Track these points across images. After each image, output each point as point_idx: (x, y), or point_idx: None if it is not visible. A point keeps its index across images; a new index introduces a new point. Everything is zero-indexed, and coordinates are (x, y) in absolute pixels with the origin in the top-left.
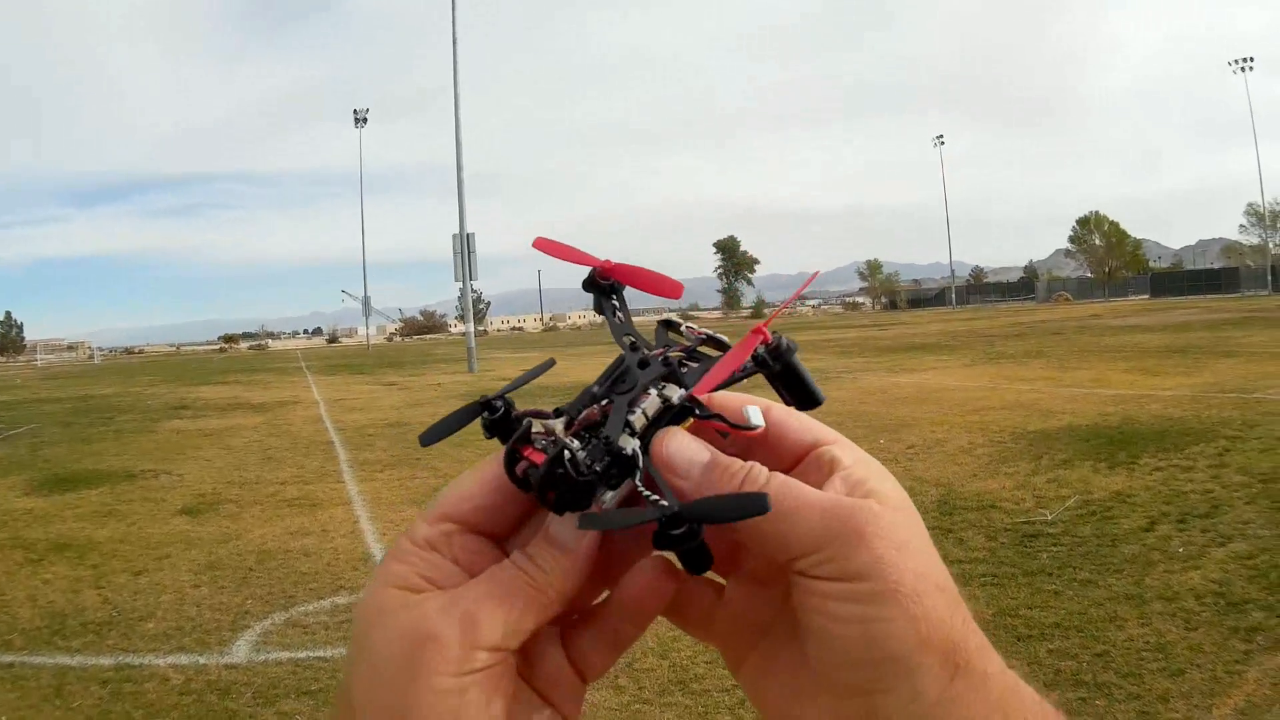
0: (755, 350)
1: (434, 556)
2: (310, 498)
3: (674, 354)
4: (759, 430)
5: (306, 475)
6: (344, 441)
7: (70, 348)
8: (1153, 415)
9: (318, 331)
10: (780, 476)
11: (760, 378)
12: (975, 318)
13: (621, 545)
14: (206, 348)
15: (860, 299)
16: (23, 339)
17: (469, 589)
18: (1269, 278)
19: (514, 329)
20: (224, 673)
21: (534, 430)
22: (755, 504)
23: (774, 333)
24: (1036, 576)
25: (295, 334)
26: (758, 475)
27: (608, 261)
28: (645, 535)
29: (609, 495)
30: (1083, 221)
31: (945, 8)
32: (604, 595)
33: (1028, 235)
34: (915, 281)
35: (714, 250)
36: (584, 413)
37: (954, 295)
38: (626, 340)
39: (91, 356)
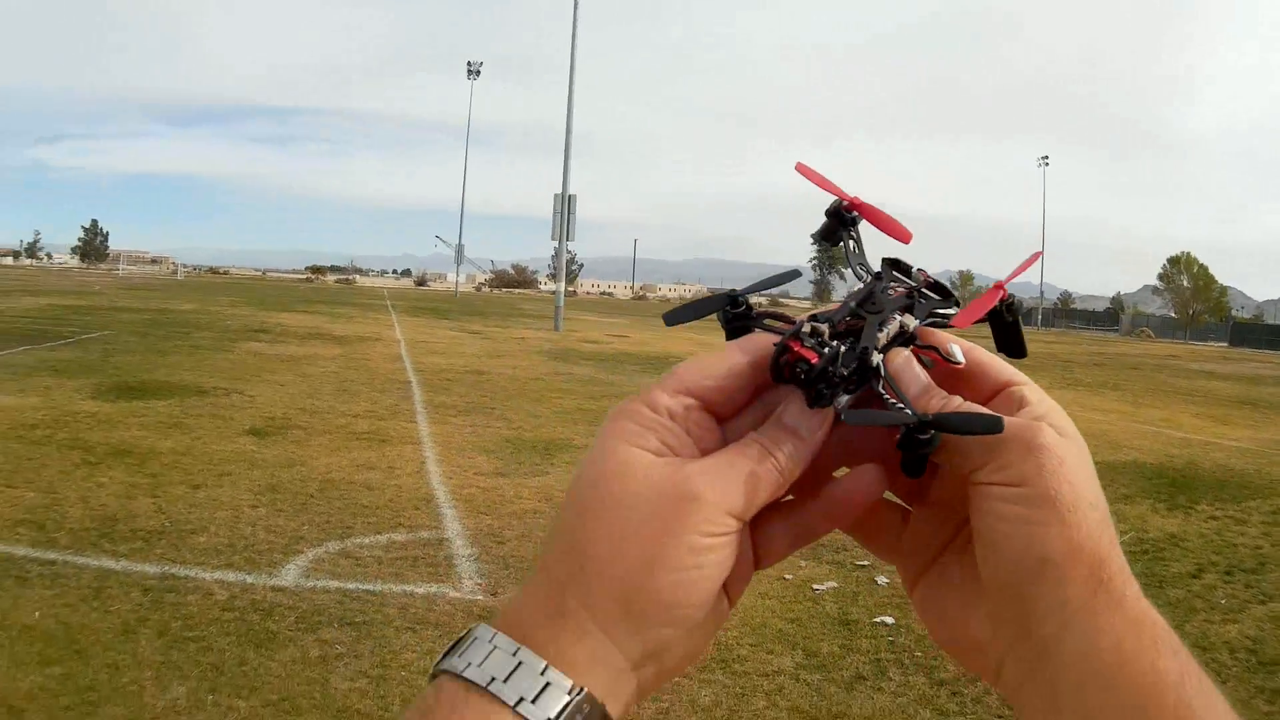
0: (994, 304)
1: (675, 426)
2: (380, 433)
3: (906, 289)
4: (960, 365)
5: (379, 411)
6: (421, 382)
7: (154, 261)
8: (1215, 463)
9: (407, 273)
10: (970, 404)
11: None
12: (1058, 341)
13: (828, 451)
14: (292, 276)
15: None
16: (107, 248)
17: (719, 459)
18: None
19: (603, 293)
20: (270, 594)
21: (803, 330)
22: (992, 423)
23: (1010, 293)
24: None
25: (384, 273)
26: (953, 401)
27: (856, 198)
28: (847, 446)
29: (844, 398)
30: (1173, 261)
31: (1066, 21)
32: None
33: (1118, 266)
34: None
35: (811, 241)
36: (840, 323)
37: (1040, 316)
38: (865, 270)
39: (175, 272)
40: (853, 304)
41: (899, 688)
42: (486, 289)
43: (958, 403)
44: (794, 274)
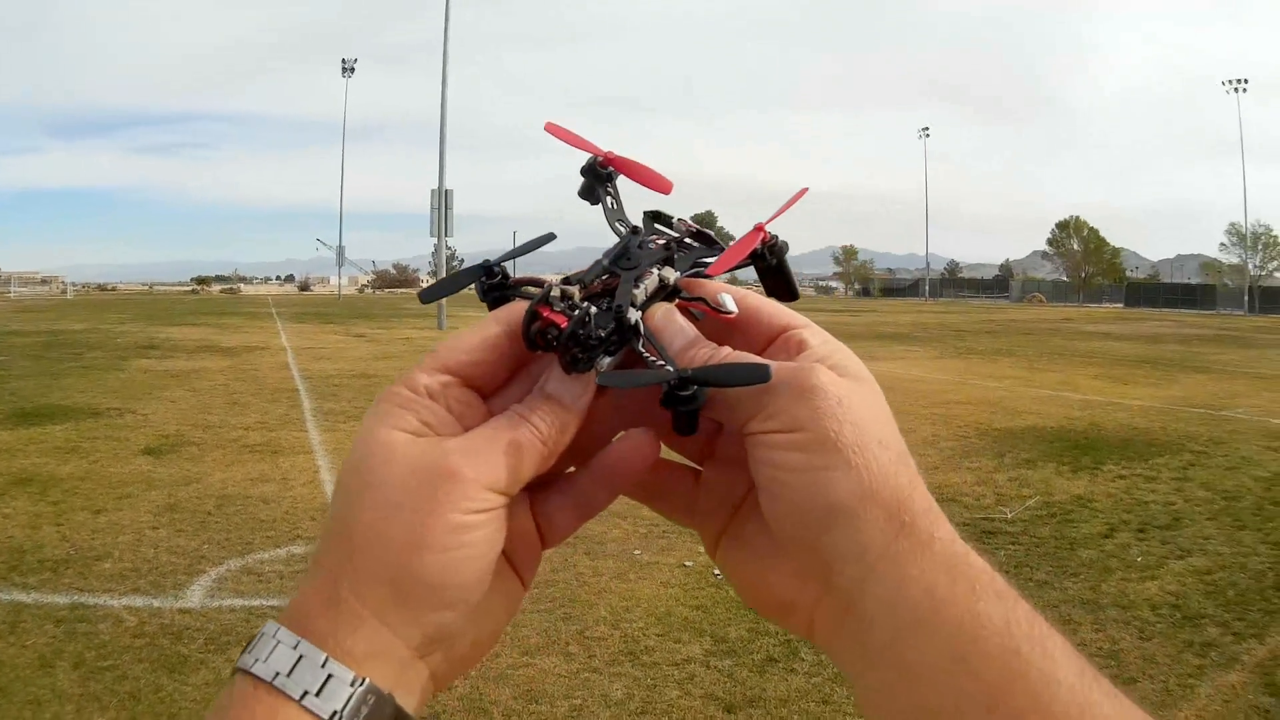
0: (755, 246)
1: (434, 405)
2: (273, 444)
3: (668, 241)
4: (732, 314)
5: (270, 422)
6: (309, 390)
7: (44, 281)
8: (1119, 423)
9: (290, 278)
10: (737, 353)
11: None
12: (948, 311)
13: (597, 418)
14: (179, 288)
15: (834, 284)
16: None
17: (478, 434)
18: (1246, 298)
19: None
20: (177, 617)
21: (552, 294)
22: (758, 372)
23: (772, 233)
24: None
25: (268, 279)
26: (719, 353)
27: (610, 152)
28: (623, 409)
29: (605, 360)
30: (1062, 225)
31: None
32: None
33: (1005, 234)
34: (890, 271)
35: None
36: (593, 283)
37: (928, 287)
38: (623, 225)
39: (65, 291)
40: (605, 261)
41: (811, 668)
42: (370, 290)
43: (726, 353)
44: (549, 237)
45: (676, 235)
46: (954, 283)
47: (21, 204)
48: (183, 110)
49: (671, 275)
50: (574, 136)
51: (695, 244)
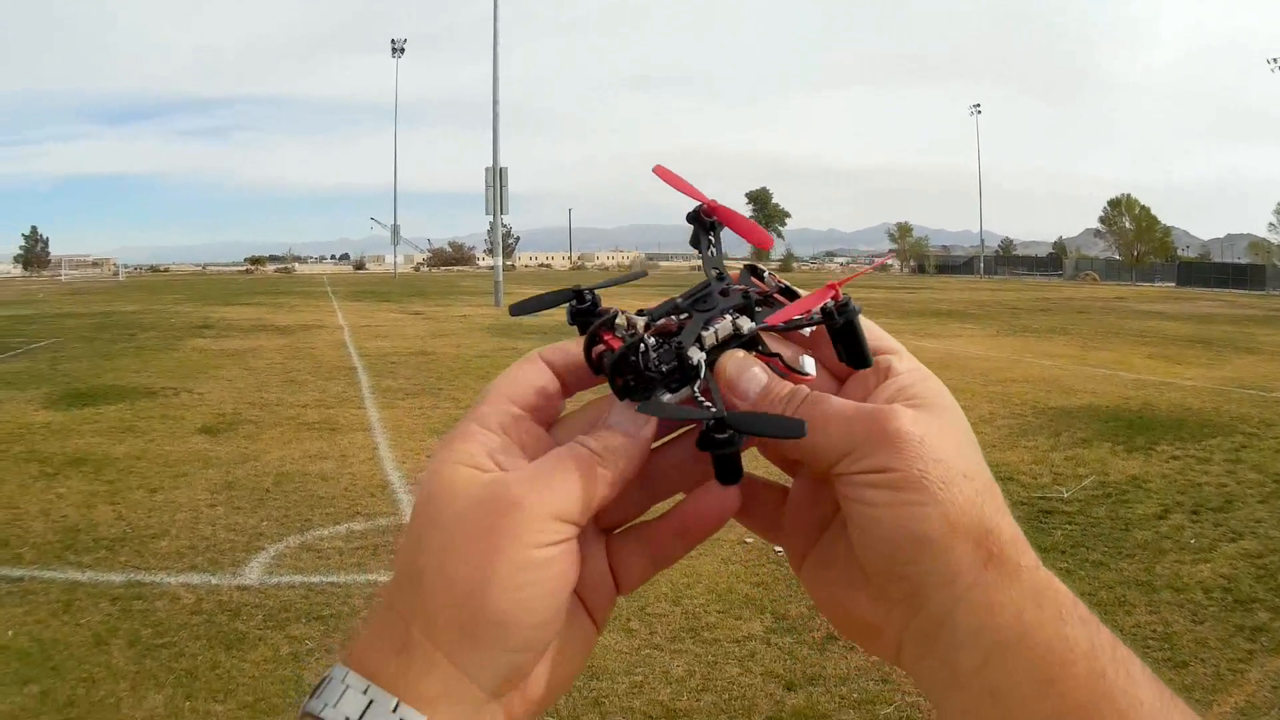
0: (825, 303)
1: (503, 439)
2: (331, 422)
3: (754, 294)
4: (810, 377)
5: (328, 400)
6: (367, 368)
7: (95, 264)
8: (1172, 403)
9: (345, 257)
10: (814, 395)
11: None
12: (1002, 289)
13: (674, 463)
14: (232, 269)
15: (890, 261)
16: (48, 254)
17: (540, 464)
18: None
19: (542, 265)
20: (236, 594)
21: (617, 321)
22: (793, 427)
23: (845, 293)
24: (1049, 554)
25: (322, 259)
26: (798, 395)
27: (714, 201)
28: (703, 461)
29: (666, 396)
30: (1114, 203)
31: None
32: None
33: (1059, 211)
34: (944, 248)
35: (746, 200)
36: (664, 320)
37: (982, 265)
38: (714, 272)
39: (116, 273)
40: (680, 300)
41: None
42: (425, 268)
43: (803, 396)
44: (641, 274)
45: (764, 289)
46: (1008, 260)
47: (71, 189)
48: (230, 94)
49: (746, 325)
50: (681, 182)
51: (780, 299)
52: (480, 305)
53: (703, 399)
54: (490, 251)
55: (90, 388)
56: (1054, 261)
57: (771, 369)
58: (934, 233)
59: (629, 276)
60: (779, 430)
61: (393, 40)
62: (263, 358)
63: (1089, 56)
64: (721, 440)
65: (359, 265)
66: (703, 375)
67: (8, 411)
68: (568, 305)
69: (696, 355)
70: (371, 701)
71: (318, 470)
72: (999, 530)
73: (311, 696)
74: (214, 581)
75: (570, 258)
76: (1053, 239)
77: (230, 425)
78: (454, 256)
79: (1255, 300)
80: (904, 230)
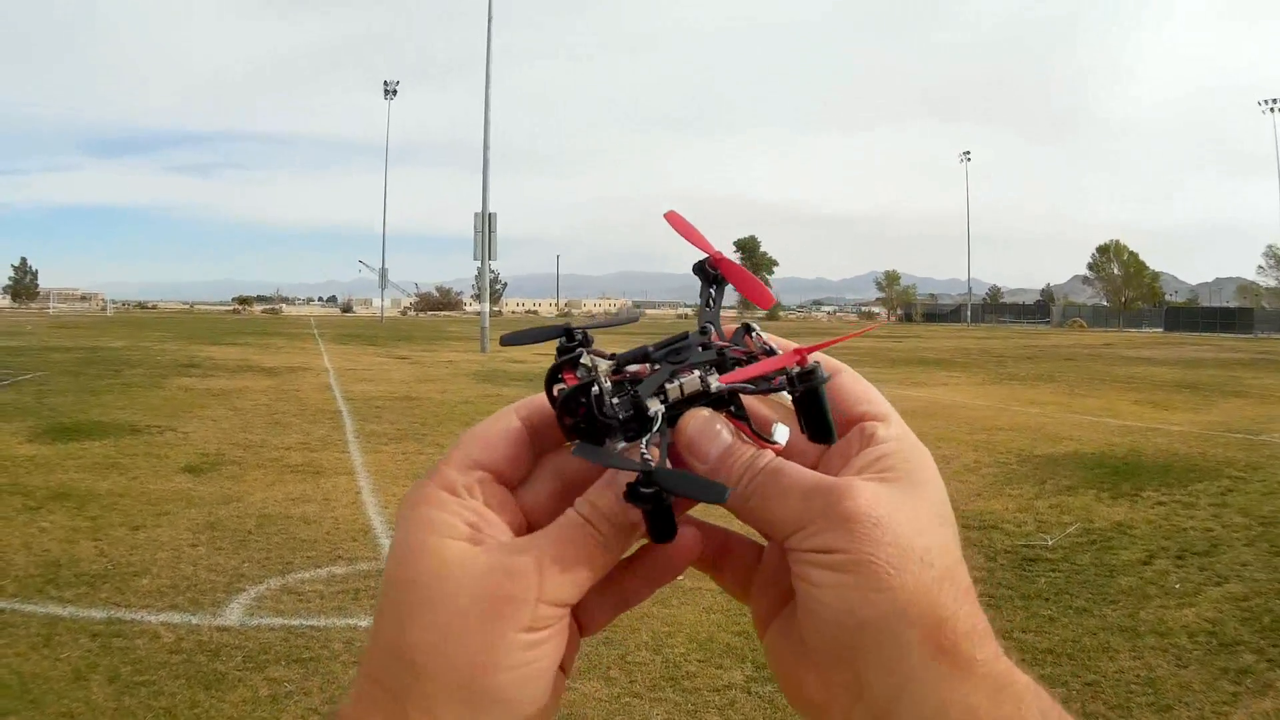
0: (788, 369)
1: (476, 504)
2: (314, 465)
3: (734, 352)
4: (780, 446)
5: (312, 442)
6: (352, 411)
7: (84, 298)
8: (1158, 449)
9: (332, 300)
10: (776, 463)
11: None
12: (989, 337)
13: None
14: (220, 308)
15: (876, 309)
16: (37, 286)
17: (538, 542)
18: None
19: (529, 311)
20: (215, 634)
21: (582, 360)
22: (714, 492)
23: (815, 361)
24: (1033, 601)
25: (310, 300)
26: (759, 462)
27: (720, 254)
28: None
29: (621, 445)
30: (1102, 249)
31: (984, 8)
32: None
33: (1048, 257)
34: (932, 296)
35: (734, 249)
36: (635, 367)
37: (970, 312)
38: (708, 329)
39: (104, 308)
40: (651, 349)
41: None
42: (412, 313)
43: (764, 463)
44: (635, 317)
45: (747, 349)
46: (995, 308)
47: (61, 221)
48: (220, 129)
49: (715, 382)
50: (692, 230)
51: (762, 359)
52: (466, 351)
53: (646, 454)
54: (477, 297)
55: (76, 423)
56: (1042, 309)
57: (740, 434)
58: (922, 280)
59: (622, 319)
60: (701, 493)
61: (385, 82)
62: (248, 398)
63: (1079, 99)
64: (646, 495)
65: (346, 308)
66: (657, 428)
67: None
68: (558, 343)
69: (655, 406)
70: None
71: (300, 513)
72: (953, 620)
73: None
74: (194, 621)
75: (557, 304)
76: (1041, 286)
77: (214, 465)
78: (441, 301)
79: (1243, 344)
80: (891, 278)
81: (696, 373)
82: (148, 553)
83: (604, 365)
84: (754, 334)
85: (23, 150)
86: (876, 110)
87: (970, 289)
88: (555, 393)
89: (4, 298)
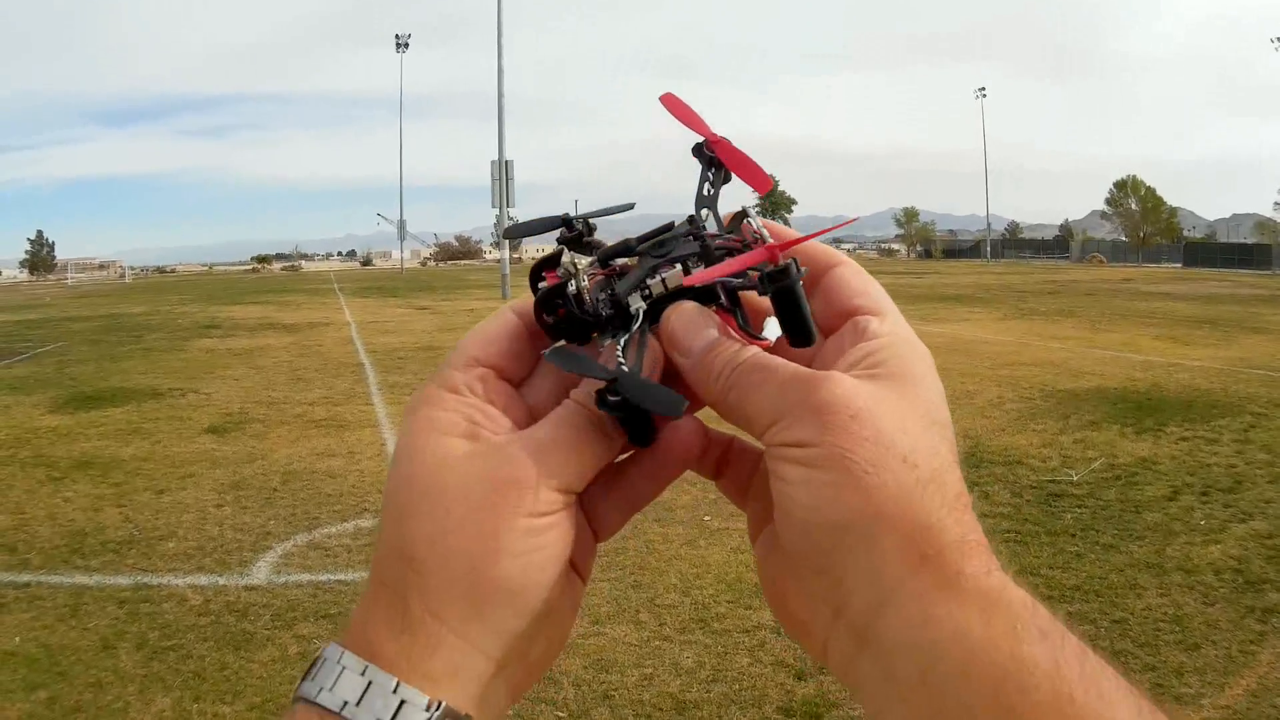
0: (760, 266)
1: (476, 401)
2: (338, 419)
3: (721, 243)
4: (768, 342)
5: (335, 396)
6: (374, 364)
7: (101, 266)
8: (1180, 384)
9: (351, 254)
10: (759, 357)
11: None
12: (1009, 272)
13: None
14: (239, 268)
15: (895, 246)
16: (54, 258)
17: (539, 432)
18: None
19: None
20: (243, 594)
21: (563, 259)
22: (671, 404)
23: (789, 258)
24: (1059, 537)
25: (329, 256)
26: (741, 355)
27: (718, 136)
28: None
29: (607, 342)
30: (1120, 184)
31: None
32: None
33: (1065, 193)
34: (951, 232)
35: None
36: (619, 261)
37: (989, 248)
38: (703, 215)
39: (123, 275)
40: (634, 242)
41: None
42: (432, 263)
43: (751, 354)
44: (628, 206)
45: (739, 240)
46: (1015, 243)
47: (75, 192)
48: (231, 92)
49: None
50: (688, 113)
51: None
52: (488, 299)
53: (620, 353)
54: (497, 245)
55: (97, 391)
56: (1061, 244)
57: (728, 329)
58: (940, 216)
59: (615, 209)
60: (658, 405)
61: (396, 35)
62: (270, 356)
63: (1094, 33)
64: (613, 403)
65: (366, 261)
66: (638, 324)
67: (14, 416)
68: (559, 234)
69: (636, 303)
70: (370, 683)
71: (325, 468)
72: (940, 529)
73: (305, 679)
74: (221, 582)
75: None
76: (1059, 221)
77: (237, 425)
78: (460, 250)
79: (1262, 280)
80: (910, 215)
81: (678, 267)
82: (173, 516)
83: (584, 262)
84: (745, 220)
85: (33, 125)
86: (893, 50)
87: (989, 225)
88: (541, 293)
89: (22, 271)
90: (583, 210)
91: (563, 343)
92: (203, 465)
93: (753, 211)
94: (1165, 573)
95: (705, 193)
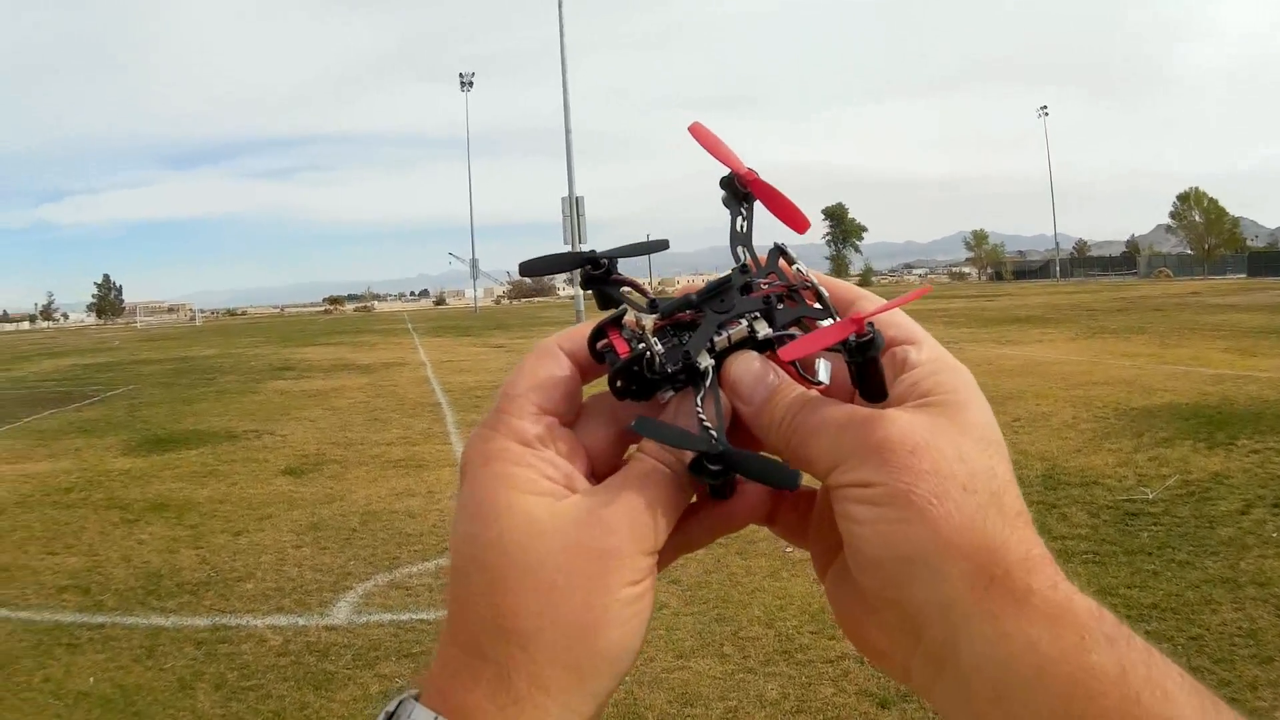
0: (847, 338)
1: (552, 455)
2: (416, 459)
3: (776, 288)
4: (823, 385)
5: (413, 436)
6: (451, 403)
7: (170, 309)
8: (1250, 396)
9: (424, 293)
10: (812, 400)
11: None
12: (1079, 291)
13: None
14: (311, 309)
15: (966, 269)
16: (122, 301)
17: (623, 491)
18: None
19: None
20: (324, 634)
21: (625, 320)
22: (787, 477)
23: (870, 325)
24: (1136, 556)
25: (401, 295)
26: (798, 401)
27: (751, 171)
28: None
29: (669, 394)
30: (1183, 197)
31: None
32: None
33: (1130, 209)
34: (1020, 253)
35: (822, 217)
36: (676, 315)
37: (1058, 268)
38: (741, 253)
39: (193, 318)
40: (695, 297)
41: None
42: (506, 301)
43: (803, 402)
44: (662, 245)
45: (789, 284)
46: (1082, 261)
47: (142, 235)
48: (295, 134)
49: (762, 330)
50: (718, 144)
51: (807, 297)
52: None
53: (707, 423)
54: (570, 282)
55: (170, 433)
56: (1128, 260)
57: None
58: (1009, 238)
59: (647, 246)
60: (774, 479)
61: (460, 74)
62: (345, 397)
63: (1155, 51)
64: (712, 472)
65: (439, 300)
66: (708, 382)
67: (86, 459)
68: (582, 270)
69: (705, 361)
70: None
71: (405, 507)
72: (1004, 549)
73: None
74: (301, 622)
75: (650, 283)
76: (1125, 237)
77: (314, 466)
78: (534, 288)
79: None
80: (979, 237)
81: (744, 322)
82: (251, 557)
83: (649, 321)
84: (795, 266)
85: (97, 168)
86: (955, 74)
87: (1058, 244)
88: (599, 349)
89: (89, 315)
90: (614, 246)
91: (644, 414)
92: (280, 506)
93: (789, 249)
94: (1239, 587)
95: (739, 229)
